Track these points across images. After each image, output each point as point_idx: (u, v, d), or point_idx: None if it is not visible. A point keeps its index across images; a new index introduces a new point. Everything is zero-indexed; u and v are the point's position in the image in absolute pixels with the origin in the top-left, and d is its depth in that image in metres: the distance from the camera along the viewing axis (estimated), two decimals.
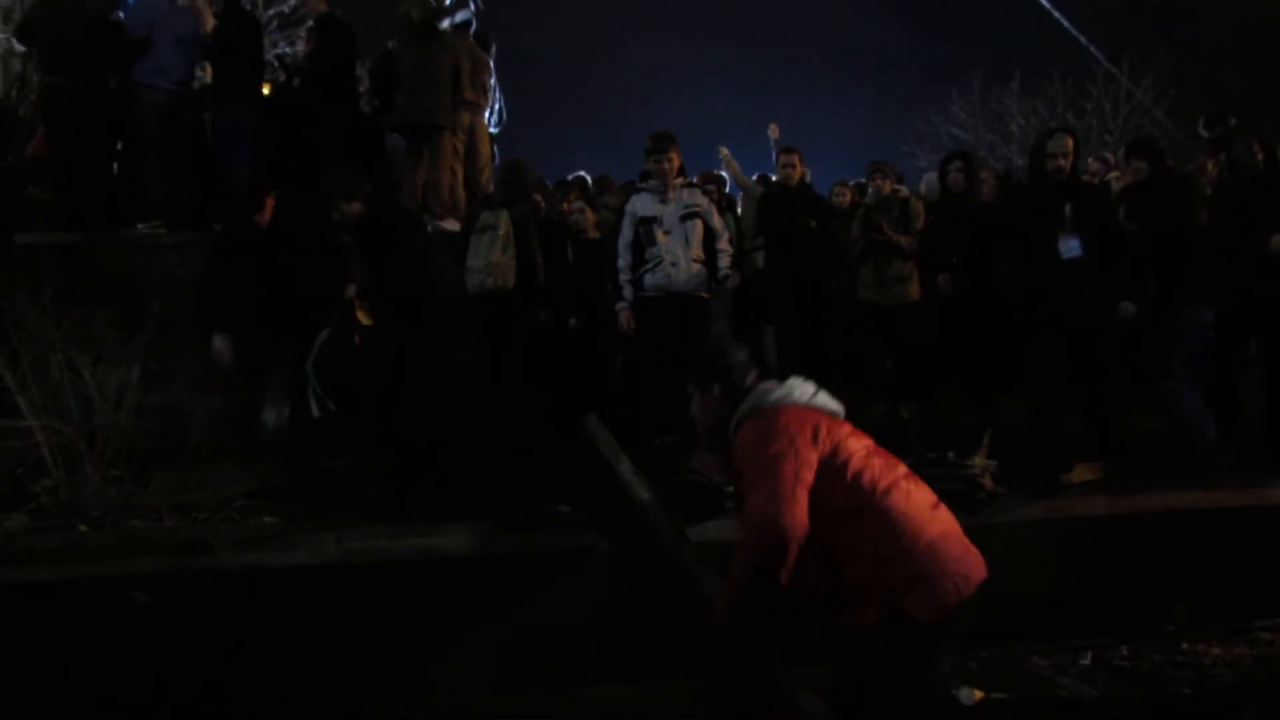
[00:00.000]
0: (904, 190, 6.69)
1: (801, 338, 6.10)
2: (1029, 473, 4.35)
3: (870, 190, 6.43)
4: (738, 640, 2.55)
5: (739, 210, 7.25)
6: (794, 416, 2.45)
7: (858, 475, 2.38)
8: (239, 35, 6.49)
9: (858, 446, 2.46)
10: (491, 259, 5.25)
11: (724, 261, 5.26)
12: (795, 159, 6.27)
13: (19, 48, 7.48)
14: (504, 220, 5.35)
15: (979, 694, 3.45)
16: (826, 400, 2.56)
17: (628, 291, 5.16)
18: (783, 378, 2.63)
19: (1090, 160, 7.78)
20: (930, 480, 2.51)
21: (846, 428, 2.53)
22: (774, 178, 6.88)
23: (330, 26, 6.61)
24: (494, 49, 7.39)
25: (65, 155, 6.14)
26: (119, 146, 6.46)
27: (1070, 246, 4.82)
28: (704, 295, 5.21)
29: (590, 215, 6.11)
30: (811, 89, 27.92)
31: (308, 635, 3.51)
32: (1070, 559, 4.08)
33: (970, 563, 2.37)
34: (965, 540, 2.43)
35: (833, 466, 2.38)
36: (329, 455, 4.62)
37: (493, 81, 7.27)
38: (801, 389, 2.54)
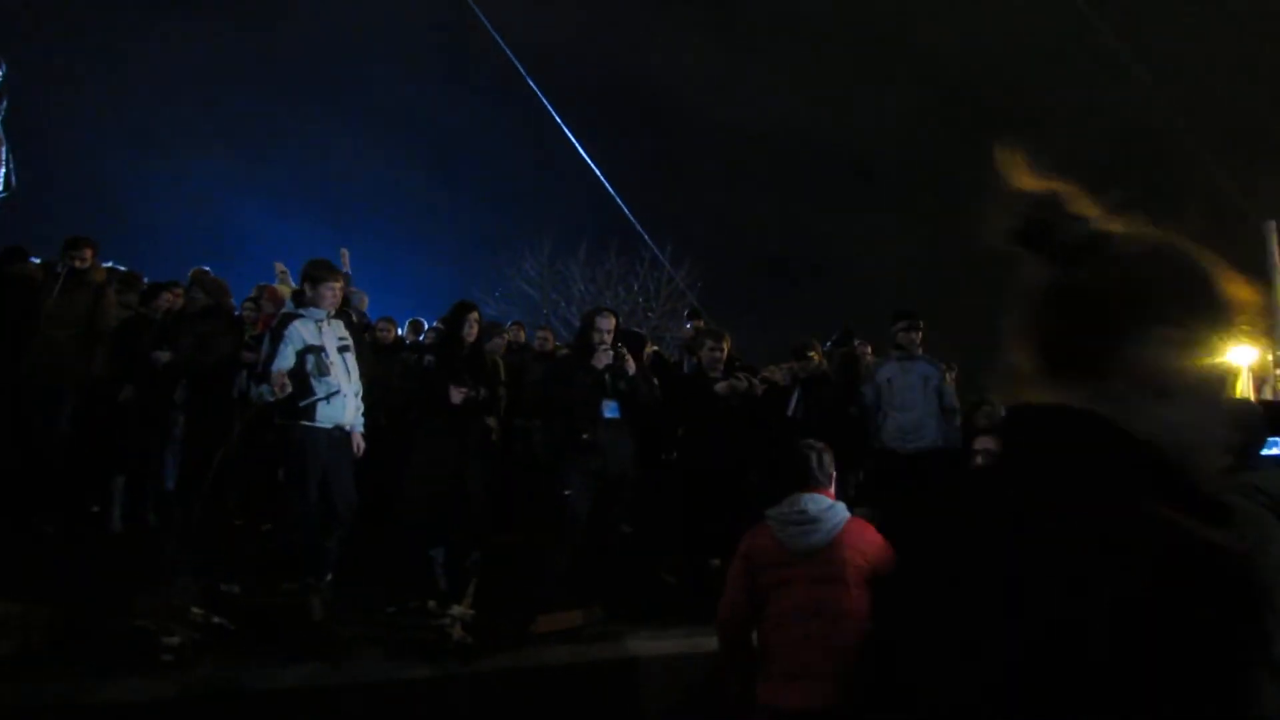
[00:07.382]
0: None
1: None
2: (506, 622, 4.30)
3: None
4: None
5: None
6: None
7: None
8: None
9: None
10: None
11: None
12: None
13: None
14: None
15: None
16: None
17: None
18: None
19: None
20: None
21: None
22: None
23: None
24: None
25: None
26: None
27: (610, 407, 5.29)
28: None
29: None
30: (390, 233, 28.66)
31: None
32: (539, 707, 4.09)
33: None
34: None
35: None
36: None
37: None
38: None
